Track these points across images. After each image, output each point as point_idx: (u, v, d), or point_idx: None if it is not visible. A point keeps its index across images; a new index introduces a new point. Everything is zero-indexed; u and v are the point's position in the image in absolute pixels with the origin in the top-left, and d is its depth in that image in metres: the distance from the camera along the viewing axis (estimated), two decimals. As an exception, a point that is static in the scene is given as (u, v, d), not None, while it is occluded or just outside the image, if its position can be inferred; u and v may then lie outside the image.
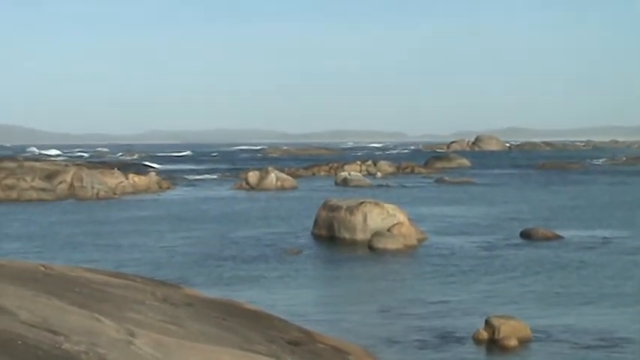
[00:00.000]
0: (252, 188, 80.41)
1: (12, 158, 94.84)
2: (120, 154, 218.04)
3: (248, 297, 25.51)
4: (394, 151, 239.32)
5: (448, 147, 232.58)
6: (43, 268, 18.30)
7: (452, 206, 60.60)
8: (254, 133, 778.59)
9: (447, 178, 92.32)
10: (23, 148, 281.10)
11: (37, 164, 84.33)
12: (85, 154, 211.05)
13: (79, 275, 18.61)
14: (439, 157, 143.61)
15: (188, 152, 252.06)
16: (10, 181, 71.43)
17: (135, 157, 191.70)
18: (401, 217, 41.64)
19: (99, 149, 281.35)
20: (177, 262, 35.79)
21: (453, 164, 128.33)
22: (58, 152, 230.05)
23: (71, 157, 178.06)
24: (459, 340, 21.87)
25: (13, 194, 69.30)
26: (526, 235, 43.12)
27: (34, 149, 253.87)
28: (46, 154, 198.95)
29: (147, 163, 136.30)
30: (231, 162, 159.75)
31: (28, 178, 71.90)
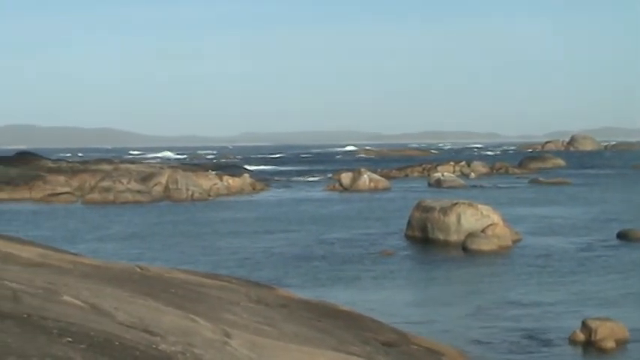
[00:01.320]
0: (345, 189, 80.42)
1: (108, 161, 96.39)
2: (214, 156, 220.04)
3: (342, 298, 25.51)
4: (491, 152, 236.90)
5: (543, 147, 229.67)
6: (139, 270, 18.52)
7: (547, 207, 59.82)
8: (347, 135, 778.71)
9: (541, 179, 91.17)
10: (123, 151, 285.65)
11: (133, 167, 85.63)
12: (183, 156, 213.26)
13: (175, 276, 18.79)
14: (533, 157, 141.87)
15: (281, 154, 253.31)
16: (106, 184, 72.62)
17: (229, 159, 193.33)
18: (495, 217, 41.23)
19: (198, 152, 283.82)
20: (272, 263, 35.94)
21: (548, 164, 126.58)
22: (170, 154, 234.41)
23: (168, 159, 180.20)
24: (555, 342, 21.56)
25: (110, 196, 70.38)
26: (623, 236, 42.33)
27: (139, 151, 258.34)
28: (158, 157, 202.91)
29: (241, 165, 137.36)
30: (324, 163, 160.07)
31: (124, 181, 73.00)
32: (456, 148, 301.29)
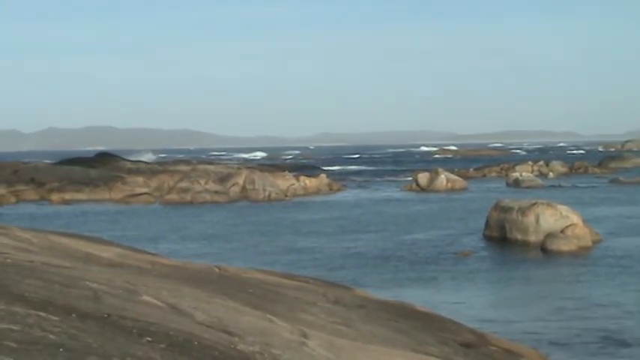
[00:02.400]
0: (422, 190, 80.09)
1: (186, 162, 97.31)
2: (290, 156, 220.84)
3: (420, 298, 25.38)
4: (575, 151, 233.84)
5: (622, 146, 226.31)
6: (217, 270, 18.61)
7: (628, 207, 58.90)
8: (424, 135, 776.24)
9: (622, 179, 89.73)
10: (205, 152, 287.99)
11: (211, 167, 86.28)
12: (263, 155, 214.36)
13: (253, 276, 18.85)
14: (613, 156, 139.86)
15: (358, 154, 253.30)
16: (184, 184, 73.27)
17: (305, 159, 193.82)
18: (574, 218, 40.71)
19: (285, 152, 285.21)
20: (349, 263, 35.94)
21: (628, 164, 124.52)
22: (263, 154, 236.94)
23: (246, 159, 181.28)
24: (635, 344, 21.22)
25: (187, 197, 71.01)
26: None
27: (226, 152, 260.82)
28: (252, 157, 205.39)
29: (317, 165, 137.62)
30: (400, 164, 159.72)
31: (202, 181, 73.59)
32: (541, 148, 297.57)
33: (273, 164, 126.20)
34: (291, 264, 35.23)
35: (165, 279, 14.53)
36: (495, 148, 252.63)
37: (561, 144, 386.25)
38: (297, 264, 35.41)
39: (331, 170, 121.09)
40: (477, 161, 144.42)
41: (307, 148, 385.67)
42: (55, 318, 7.37)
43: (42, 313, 7.39)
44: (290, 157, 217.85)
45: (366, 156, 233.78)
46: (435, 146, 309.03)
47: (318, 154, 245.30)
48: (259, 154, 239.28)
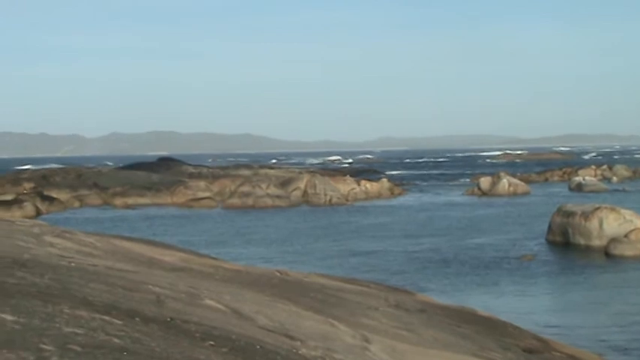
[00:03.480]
0: (484, 194, 79.62)
1: (248, 166, 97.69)
2: (352, 160, 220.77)
3: (481, 303, 25.22)
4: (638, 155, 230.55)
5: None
6: (278, 274, 18.66)
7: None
8: (485, 139, 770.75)
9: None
10: (266, 156, 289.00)
11: (272, 172, 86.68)
12: (317, 161, 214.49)
13: (314, 281, 18.87)
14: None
15: (419, 159, 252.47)
16: (246, 189, 73.56)
17: (366, 163, 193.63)
18: (639, 222, 40.18)
19: (364, 156, 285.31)
20: (410, 267, 35.83)
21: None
22: (338, 157, 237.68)
23: (306, 164, 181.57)
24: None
25: (249, 201, 71.27)
26: None
27: (298, 158, 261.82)
28: (329, 160, 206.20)
29: (378, 169, 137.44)
30: (462, 168, 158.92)
31: (264, 186, 73.83)
32: (607, 151, 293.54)
33: (336, 168, 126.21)
34: (352, 268, 35.19)
35: (228, 283, 14.59)
36: (559, 152, 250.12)
37: (630, 147, 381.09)
38: (359, 268, 35.37)
39: (393, 174, 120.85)
40: (540, 165, 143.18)
41: (362, 152, 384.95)
42: (119, 322, 7.42)
43: (106, 317, 7.45)
44: (351, 160, 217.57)
45: (427, 160, 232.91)
46: (497, 150, 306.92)
47: (373, 158, 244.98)
48: (336, 158, 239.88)
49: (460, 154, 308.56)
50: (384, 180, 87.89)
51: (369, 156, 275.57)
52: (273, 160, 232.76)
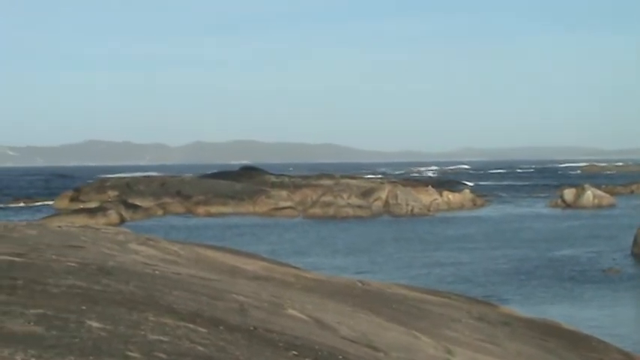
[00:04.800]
0: (567, 206, 78.64)
1: (329, 176, 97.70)
2: (433, 171, 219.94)
3: (565, 316, 24.87)
4: None
5: None
6: (360, 284, 18.61)
7: None
8: (568, 150, 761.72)
9: None
10: (351, 166, 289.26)
11: (353, 182, 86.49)
12: (399, 172, 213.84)
13: (396, 292, 18.78)
14: None
15: (501, 169, 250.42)
16: (327, 199, 73.64)
17: (448, 174, 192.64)
18: None
19: (458, 167, 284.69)
20: (493, 279, 35.54)
21: None
22: (436, 168, 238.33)
23: (386, 174, 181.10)
24: None
25: (330, 211, 71.33)
26: None
27: (386, 167, 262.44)
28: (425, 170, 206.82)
29: (460, 180, 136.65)
30: (545, 179, 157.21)
31: (345, 196, 73.84)
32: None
33: (417, 179, 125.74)
34: (434, 279, 35.04)
35: (310, 293, 14.60)
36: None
37: None
38: (441, 279, 35.20)
39: (475, 185, 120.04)
40: (625, 177, 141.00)
41: (444, 162, 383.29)
42: (204, 330, 7.46)
43: (190, 325, 7.48)
44: (432, 171, 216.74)
45: (510, 171, 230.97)
46: (580, 162, 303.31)
47: (455, 168, 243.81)
48: (434, 168, 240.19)
49: (543, 166, 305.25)
50: (467, 191, 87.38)
51: (465, 166, 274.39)
52: (363, 170, 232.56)
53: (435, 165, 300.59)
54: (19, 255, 10.35)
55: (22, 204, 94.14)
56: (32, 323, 6.32)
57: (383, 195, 75.34)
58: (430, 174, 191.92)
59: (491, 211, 77.38)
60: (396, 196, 74.37)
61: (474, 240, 50.95)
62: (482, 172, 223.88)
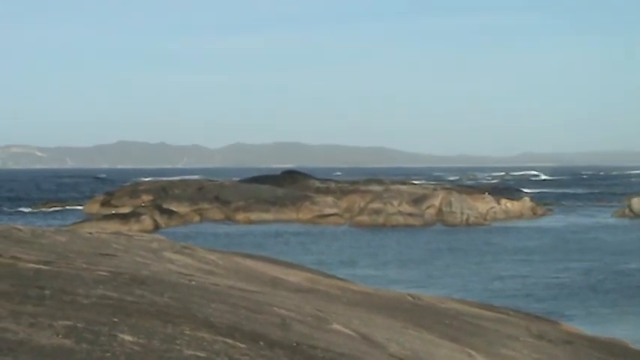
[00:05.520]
0: (636, 216, 77.92)
1: (378, 181, 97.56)
2: (490, 177, 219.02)
3: (632, 336, 24.66)
4: None
5: None
6: (411, 298, 18.58)
7: None
8: (637, 156, 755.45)
9: None
10: (402, 171, 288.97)
11: (404, 188, 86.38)
12: (454, 177, 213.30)
13: (449, 306, 18.72)
14: None
15: (564, 176, 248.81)
16: (376, 206, 73.52)
17: (506, 180, 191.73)
18: None
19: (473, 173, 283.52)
20: (555, 294, 35.34)
21: None
22: (501, 174, 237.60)
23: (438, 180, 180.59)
24: None
25: (379, 219, 71.23)
26: None
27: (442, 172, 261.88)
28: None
29: (518, 187, 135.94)
30: (611, 187, 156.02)
31: (395, 203, 73.68)
32: None
33: (472, 185, 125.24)
34: (491, 293, 34.89)
35: (357, 307, 14.59)
36: None
37: None
38: (498, 294, 35.05)
39: (535, 193, 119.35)
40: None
41: (501, 168, 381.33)
42: (243, 345, 7.48)
43: (229, 340, 7.51)
44: (488, 177, 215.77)
45: (573, 178, 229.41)
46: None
47: (513, 174, 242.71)
48: (533, 173, 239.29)
49: (608, 173, 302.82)
50: (526, 199, 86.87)
51: (534, 172, 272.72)
52: (415, 176, 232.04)
53: (494, 171, 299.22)
54: (47, 263, 10.45)
55: (50, 208, 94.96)
56: (61, 336, 6.37)
57: (436, 202, 75.13)
58: (488, 180, 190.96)
59: (552, 220, 76.91)
60: (450, 204, 74.11)
61: (534, 252, 50.68)
62: (544, 178, 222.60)
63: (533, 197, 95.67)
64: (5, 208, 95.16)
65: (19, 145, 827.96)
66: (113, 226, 55.80)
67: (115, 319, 7.33)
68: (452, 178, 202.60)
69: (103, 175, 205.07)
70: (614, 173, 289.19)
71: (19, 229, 14.73)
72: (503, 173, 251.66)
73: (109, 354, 6.11)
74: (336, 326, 10.88)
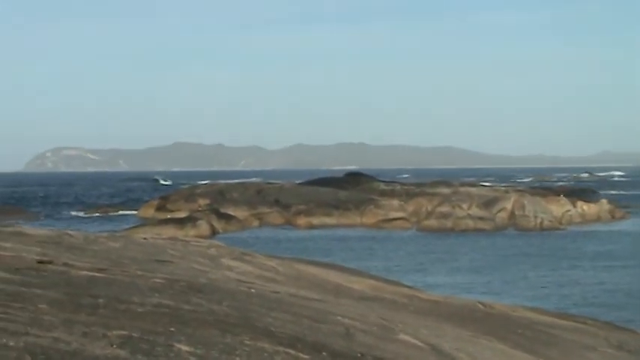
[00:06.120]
0: None
1: (447, 183, 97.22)
2: (566, 178, 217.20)
3: None
4: None
5: None
6: (482, 306, 18.51)
7: None
8: None
9: None
10: (472, 172, 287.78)
11: (474, 190, 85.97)
12: (528, 179, 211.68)
13: (522, 315, 18.64)
14: None
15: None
16: (444, 209, 73.22)
17: (583, 181, 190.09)
18: None
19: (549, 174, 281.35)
20: (634, 302, 34.97)
21: None
22: (586, 174, 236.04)
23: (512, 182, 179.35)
24: None
25: (448, 223, 70.95)
26: None
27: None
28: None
29: (595, 188, 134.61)
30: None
31: (465, 206, 73.34)
32: None
33: (547, 187, 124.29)
34: (567, 301, 34.65)
35: (424, 315, 14.57)
36: None
37: None
38: (575, 301, 34.79)
39: (612, 194, 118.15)
40: None
41: (578, 168, 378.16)
42: (305, 356, 7.50)
43: (291, 351, 7.53)
44: (564, 178, 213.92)
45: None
46: None
47: (590, 175, 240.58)
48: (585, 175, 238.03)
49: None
50: (604, 201, 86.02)
51: (618, 172, 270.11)
52: (485, 177, 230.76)
53: (570, 171, 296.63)
54: (100, 270, 10.56)
55: (103, 213, 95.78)
56: (115, 346, 6.43)
57: (508, 205, 74.70)
58: (564, 181, 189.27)
59: (632, 224, 76.05)
60: (522, 207, 73.65)
61: (613, 257, 50.22)
62: (623, 179, 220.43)
63: (611, 199, 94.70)
64: (57, 213, 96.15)
65: (70, 148, 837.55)
66: (169, 231, 56.15)
67: (172, 329, 7.39)
68: (525, 180, 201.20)
69: (168, 182, 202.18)
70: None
71: (71, 235, 14.90)
72: (586, 174, 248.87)
73: (165, 365, 6.16)
74: (402, 336, 10.88)
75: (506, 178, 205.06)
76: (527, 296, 35.46)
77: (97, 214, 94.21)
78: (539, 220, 72.14)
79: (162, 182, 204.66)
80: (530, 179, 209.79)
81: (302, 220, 76.09)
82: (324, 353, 7.95)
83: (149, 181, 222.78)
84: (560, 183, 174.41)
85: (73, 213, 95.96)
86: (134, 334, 6.89)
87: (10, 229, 14.70)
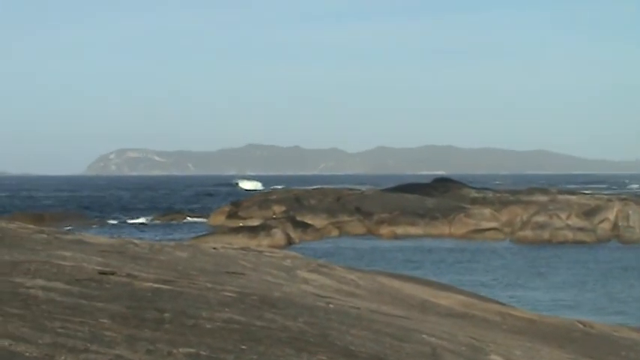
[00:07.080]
0: None
1: (543, 190, 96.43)
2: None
3: None
4: None
5: None
6: (581, 326, 18.35)
7: None
8: None
9: None
10: (570, 178, 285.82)
11: (573, 198, 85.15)
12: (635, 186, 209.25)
13: (625, 336, 18.44)
14: None
15: None
16: (540, 219, 72.56)
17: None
18: None
19: None
20: None
21: None
22: None
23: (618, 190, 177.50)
24: None
25: (544, 234, 70.30)
26: None
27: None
28: None
29: None
30: None
31: (563, 215, 72.66)
32: None
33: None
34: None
35: (518, 335, 14.48)
36: None
37: None
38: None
39: None
40: None
41: None
42: (387, 378, 7.48)
43: (371, 372, 7.52)
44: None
45: None
46: None
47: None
48: None
49: None
50: None
51: None
52: (585, 184, 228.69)
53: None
54: (166, 282, 10.62)
55: (170, 220, 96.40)
56: (182, 364, 6.46)
57: (611, 215, 73.88)
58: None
59: None
60: (627, 217, 72.80)
61: None
62: None
63: None
64: (120, 220, 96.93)
65: (135, 150, 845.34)
66: (240, 240, 56.37)
67: (243, 347, 7.40)
68: (633, 187, 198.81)
69: (255, 186, 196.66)
70: None
71: (136, 244, 15.01)
72: None
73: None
74: (494, 357, 10.82)
75: (609, 185, 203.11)
76: (631, 315, 35.13)
77: (165, 221, 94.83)
78: (645, 232, 71.28)
79: (247, 188, 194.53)
80: (637, 186, 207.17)
81: (385, 230, 75.92)
82: (408, 375, 7.93)
83: (227, 185, 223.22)
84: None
85: (137, 220, 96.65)
86: (202, 352, 6.92)
87: (70, 236, 14.85)
